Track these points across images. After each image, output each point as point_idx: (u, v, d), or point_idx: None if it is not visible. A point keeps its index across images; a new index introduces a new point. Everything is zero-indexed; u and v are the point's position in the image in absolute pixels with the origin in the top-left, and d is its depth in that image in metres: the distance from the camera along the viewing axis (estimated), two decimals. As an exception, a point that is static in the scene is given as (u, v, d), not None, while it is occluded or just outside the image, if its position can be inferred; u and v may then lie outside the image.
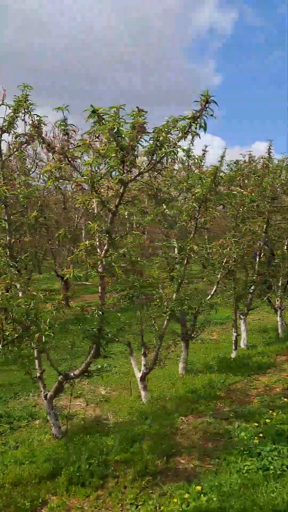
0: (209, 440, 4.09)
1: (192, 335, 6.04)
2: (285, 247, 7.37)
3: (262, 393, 5.27)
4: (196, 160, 6.52)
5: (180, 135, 3.00)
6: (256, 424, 4.23)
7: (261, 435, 3.95)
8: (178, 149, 3.03)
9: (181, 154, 5.68)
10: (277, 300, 8.38)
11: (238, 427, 4.28)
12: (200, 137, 3.07)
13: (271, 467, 3.41)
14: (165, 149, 2.98)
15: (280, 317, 8.32)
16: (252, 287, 7.47)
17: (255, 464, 3.46)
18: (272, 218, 7.87)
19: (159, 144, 3.02)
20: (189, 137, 3.17)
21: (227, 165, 7.51)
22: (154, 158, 3.08)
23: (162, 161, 3.04)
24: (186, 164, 6.29)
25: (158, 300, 4.83)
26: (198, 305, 5.49)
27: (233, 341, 6.81)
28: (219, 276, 5.78)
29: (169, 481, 3.40)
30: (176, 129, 3.01)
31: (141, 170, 3.21)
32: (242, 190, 5.39)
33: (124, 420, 4.59)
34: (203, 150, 6.54)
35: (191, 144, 6.13)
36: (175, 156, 3.13)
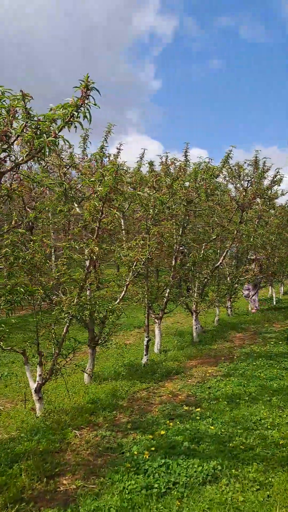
0: (100, 455, 3.82)
1: (99, 341, 5.75)
2: (202, 251, 7.35)
3: (166, 401, 5.12)
4: (111, 158, 6.29)
5: (61, 123, 2.70)
6: (150, 436, 4.03)
7: (153, 448, 3.75)
8: (60, 139, 2.72)
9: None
10: (194, 304, 8.40)
11: (133, 440, 4.07)
12: (82, 127, 2.79)
13: (156, 485, 3.21)
14: (44, 138, 2.66)
15: (195, 320, 8.32)
16: (168, 291, 7.37)
17: (140, 483, 3.24)
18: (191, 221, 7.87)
19: (38, 133, 2.70)
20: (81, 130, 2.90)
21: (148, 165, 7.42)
22: (33, 148, 2.75)
23: (43, 151, 2.71)
24: (100, 161, 6.01)
25: (56, 305, 4.49)
26: (106, 310, 5.22)
27: (145, 346, 6.63)
28: (128, 279, 5.56)
29: (45, 507, 3.07)
30: (58, 118, 2.71)
31: (19, 161, 2.86)
32: (149, 191, 5.24)
33: (11, 436, 4.17)
34: (117, 149, 6.32)
35: (105, 141, 5.90)
36: (56, 147, 2.81)
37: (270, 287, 14.63)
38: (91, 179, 4.13)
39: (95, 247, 4.17)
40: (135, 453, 3.67)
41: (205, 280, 8.43)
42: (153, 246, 5.13)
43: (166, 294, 7.31)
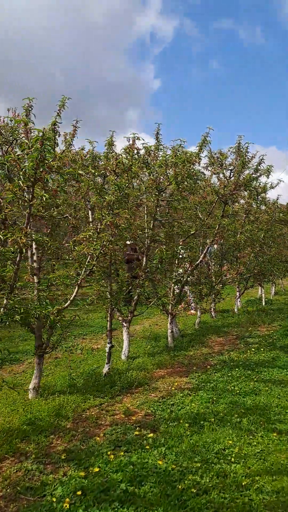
0: (15, 499, 3.04)
1: (47, 349, 4.96)
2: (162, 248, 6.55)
3: (118, 422, 4.34)
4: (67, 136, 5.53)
5: None
6: (82, 473, 3.25)
7: (79, 493, 2.97)
8: None
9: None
10: (170, 305, 7.62)
11: (63, 476, 3.29)
12: None
13: None
14: None
15: (170, 324, 7.54)
16: (137, 291, 6.58)
17: None
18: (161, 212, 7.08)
19: None
20: None
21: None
22: None
23: None
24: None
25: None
26: (48, 313, 4.43)
27: (107, 354, 5.85)
28: (80, 278, 4.77)
29: None
30: None
31: None
32: (93, 171, 4.46)
33: None
34: (73, 126, 5.52)
35: (58, 117, 5.11)
36: None
37: (259, 287, 13.88)
38: (17, 153, 3.34)
39: (22, 237, 3.38)
40: (54, 499, 2.89)
41: (183, 279, 7.65)
42: (105, 239, 4.34)
43: (136, 296, 6.52)
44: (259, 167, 7.05)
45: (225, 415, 4.45)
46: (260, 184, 9.40)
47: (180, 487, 3.09)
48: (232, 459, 3.55)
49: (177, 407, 4.71)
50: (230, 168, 7.36)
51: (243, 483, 3.17)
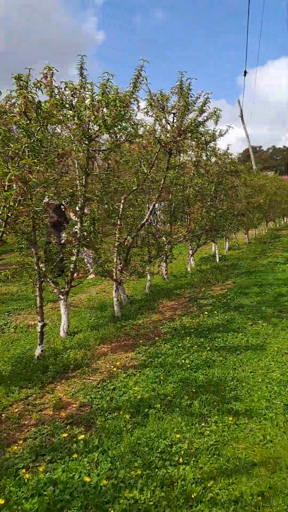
0: None
1: None
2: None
3: (46, 420, 3.59)
4: None
5: None
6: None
7: None
8: None
9: None
10: (116, 270, 6.83)
11: None
12: None
13: None
14: None
15: (116, 291, 6.79)
16: (74, 258, 5.70)
17: None
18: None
19: None
20: None
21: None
22: None
23: None
24: None
25: None
26: None
27: (38, 333, 5.03)
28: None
29: None
30: None
31: None
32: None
33: None
34: None
35: None
36: None
37: (213, 243, 13.39)
38: None
39: None
40: None
41: (129, 241, 6.85)
42: (10, 200, 3.38)
43: (71, 264, 5.64)
44: (204, 108, 6.15)
45: (173, 397, 3.81)
46: (208, 131, 8.56)
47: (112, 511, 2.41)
48: (181, 458, 2.91)
49: (118, 392, 4.01)
50: (172, 112, 6.42)
51: (193, 495, 2.53)
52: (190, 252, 11.19)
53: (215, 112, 7.10)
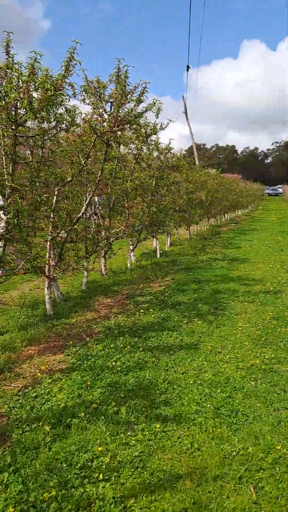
0: None
1: None
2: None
3: None
4: None
5: None
6: None
7: None
8: None
9: None
10: (50, 266, 6.44)
11: None
12: None
13: None
14: None
15: (47, 288, 6.40)
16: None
17: None
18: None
19: None
20: None
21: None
22: None
23: None
24: None
25: None
26: None
27: None
28: None
29: None
30: None
31: None
32: None
33: None
34: None
35: None
36: None
37: (154, 238, 13.30)
38: None
39: None
40: None
41: (63, 236, 6.49)
42: None
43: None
44: (142, 98, 5.91)
45: (100, 404, 3.57)
46: (148, 124, 8.37)
47: None
48: (101, 475, 2.67)
49: (40, 400, 3.70)
50: (110, 101, 6.13)
51: (109, 519, 2.30)
52: (131, 247, 10.99)
53: (154, 103, 6.90)
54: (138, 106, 5.93)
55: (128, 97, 5.92)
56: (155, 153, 11.06)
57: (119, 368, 4.29)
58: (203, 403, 3.64)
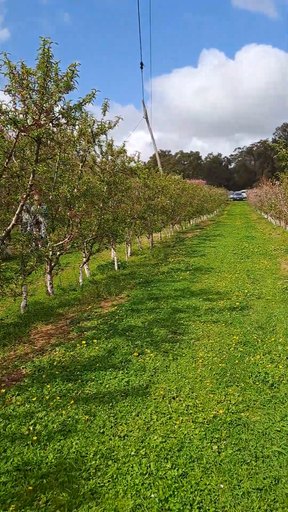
0: None
1: None
2: None
3: None
4: None
5: None
6: None
7: None
8: None
9: None
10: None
11: None
12: None
13: None
14: None
15: None
16: None
17: None
18: None
19: None
20: None
21: None
22: None
23: None
24: None
25: None
26: None
27: None
28: None
29: None
30: None
31: None
32: None
33: None
34: None
35: None
36: None
37: (112, 249, 12.21)
38: None
39: None
40: None
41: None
42: None
43: None
44: (72, 83, 4.83)
45: (-6, 508, 2.43)
46: (88, 119, 7.35)
47: None
48: None
49: None
50: (35, 88, 5.03)
51: None
52: (84, 260, 9.87)
53: (93, 94, 5.85)
54: (67, 93, 4.85)
55: (52, 81, 4.83)
56: (110, 156, 10.05)
57: (36, 438, 3.16)
58: (145, 492, 2.58)
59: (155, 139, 30.33)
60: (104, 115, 8.07)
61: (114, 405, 3.71)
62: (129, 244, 14.19)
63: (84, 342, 5.26)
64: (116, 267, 11.18)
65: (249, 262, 11.20)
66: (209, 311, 6.57)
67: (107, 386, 4.09)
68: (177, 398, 3.83)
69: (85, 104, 5.77)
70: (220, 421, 3.42)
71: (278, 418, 3.49)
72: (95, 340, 5.30)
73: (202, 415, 3.52)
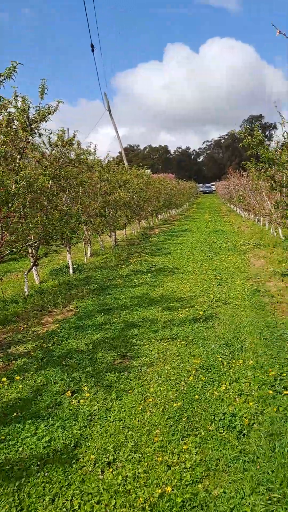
0: None
1: None
2: None
3: None
4: None
5: None
6: None
7: None
8: None
9: None
10: None
11: None
12: None
13: None
14: None
15: None
16: None
17: None
18: None
19: None
20: None
21: None
22: None
23: None
24: None
25: None
26: None
27: None
28: None
29: None
30: None
31: None
32: None
33: None
34: None
35: None
36: None
37: (67, 252, 11.06)
38: None
39: None
40: None
41: None
42: None
43: None
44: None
45: None
46: (27, 105, 6.23)
47: None
48: None
49: None
50: None
51: None
52: (32, 265, 8.69)
53: (14, 67, 4.71)
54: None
55: None
56: (53, 151, 8.88)
57: None
58: None
59: (123, 134, 29.26)
60: (41, 98, 6.92)
61: (24, 483, 2.65)
62: (89, 244, 13.06)
63: (5, 378, 4.15)
64: (71, 271, 10.05)
65: (217, 259, 10.31)
66: (168, 324, 5.59)
67: (20, 449, 3.02)
68: (113, 464, 2.81)
69: (3, 80, 4.64)
70: (168, 504, 2.42)
71: (248, 490, 2.52)
72: (18, 377, 4.19)
73: (144, 493, 2.51)
